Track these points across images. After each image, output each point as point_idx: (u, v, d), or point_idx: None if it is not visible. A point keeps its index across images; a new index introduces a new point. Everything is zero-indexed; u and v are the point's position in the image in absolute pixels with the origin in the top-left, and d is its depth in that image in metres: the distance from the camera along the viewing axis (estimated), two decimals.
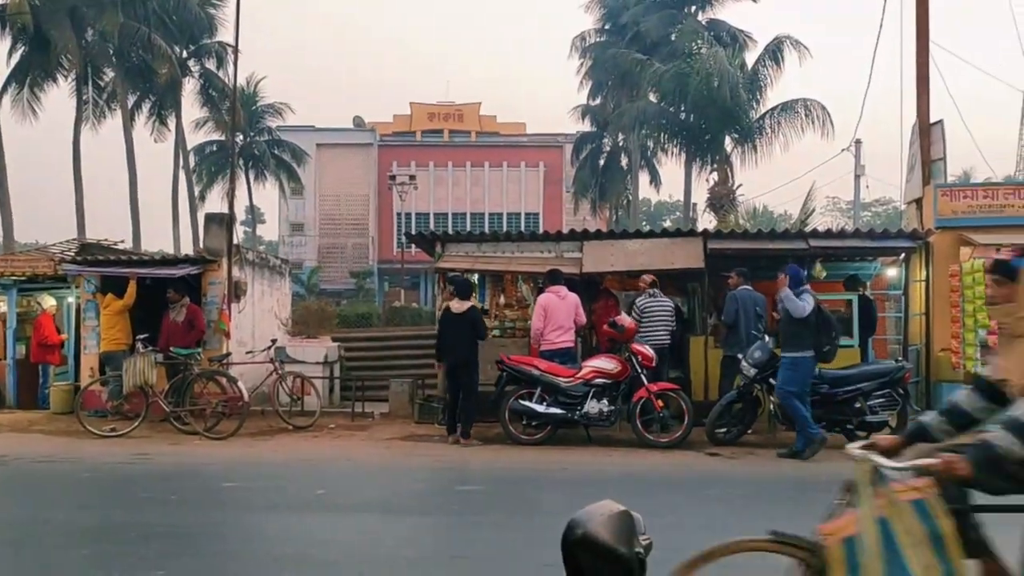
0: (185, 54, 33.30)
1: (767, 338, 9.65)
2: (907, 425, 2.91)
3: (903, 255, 12.15)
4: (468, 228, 38.86)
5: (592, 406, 9.78)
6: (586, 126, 39.66)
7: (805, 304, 8.80)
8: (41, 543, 5.83)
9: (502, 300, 12.66)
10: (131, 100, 32.02)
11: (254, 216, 45.37)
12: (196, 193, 35.84)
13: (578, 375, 9.91)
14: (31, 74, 28.76)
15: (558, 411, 9.81)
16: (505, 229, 35.18)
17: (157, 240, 72.04)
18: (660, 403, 9.76)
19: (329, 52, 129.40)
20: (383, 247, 42.16)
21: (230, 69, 29.49)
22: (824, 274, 12.67)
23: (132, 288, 12.20)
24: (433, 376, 12.51)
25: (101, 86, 31.57)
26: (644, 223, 44.36)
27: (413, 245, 16.26)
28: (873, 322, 12.06)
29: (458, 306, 10.27)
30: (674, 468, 8.77)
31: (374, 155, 43.24)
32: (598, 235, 12.54)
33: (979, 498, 2.96)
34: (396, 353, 16.31)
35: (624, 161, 38.56)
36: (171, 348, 11.53)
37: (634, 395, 9.80)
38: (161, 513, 6.73)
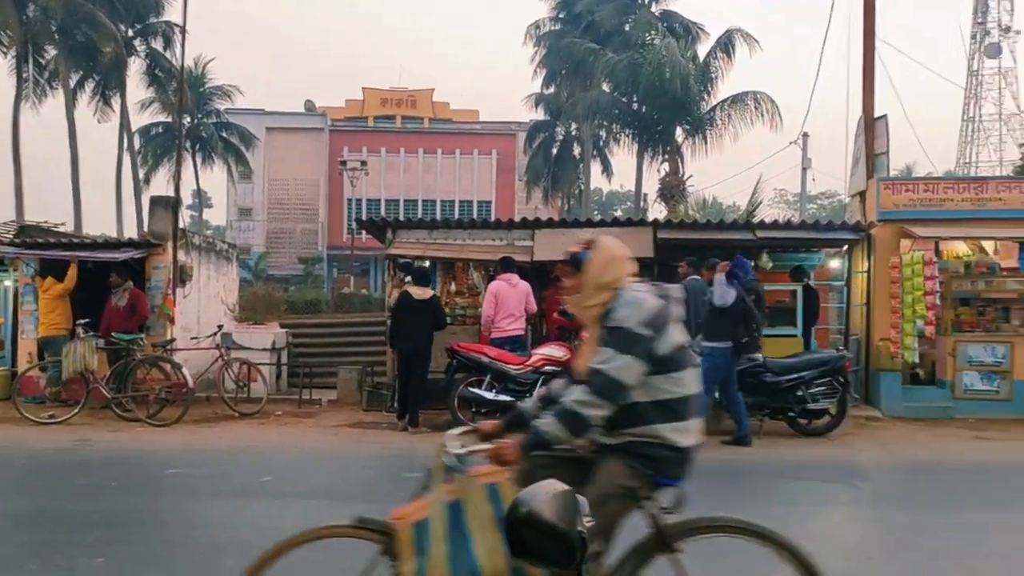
0: (131, 33, 32.53)
1: None
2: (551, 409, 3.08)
3: (846, 247, 12.43)
4: (420, 215, 38.68)
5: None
6: (540, 114, 39.71)
7: (727, 295, 8.94)
8: None
9: (453, 288, 12.62)
10: (74, 79, 31.20)
11: (201, 200, 44.56)
12: (141, 176, 35.10)
13: (527, 363, 9.95)
14: None
15: (507, 398, 9.83)
16: (457, 216, 35.15)
17: (100, 223, 70.21)
18: None
19: (281, 36, 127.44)
20: (333, 233, 41.72)
21: (177, 50, 28.95)
22: (770, 264, 12.93)
23: (73, 272, 11.92)
24: (382, 363, 12.46)
25: (42, 64, 30.67)
26: (596, 212, 44.67)
27: (363, 231, 16.08)
28: (816, 312, 12.32)
29: (420, 293, 10.23)
30: None
31: (325, 140, 42.71)
32: (550, 223, 12.58)
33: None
34: (345, 340, 16.16)
35: (577, 150, 38.73)
36: (113, 333, 11.26)
37: None
38: (101, 500, 6.60)
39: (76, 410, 10.61)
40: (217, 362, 11.73)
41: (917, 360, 11.49)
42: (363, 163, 32.67)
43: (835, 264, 13.31)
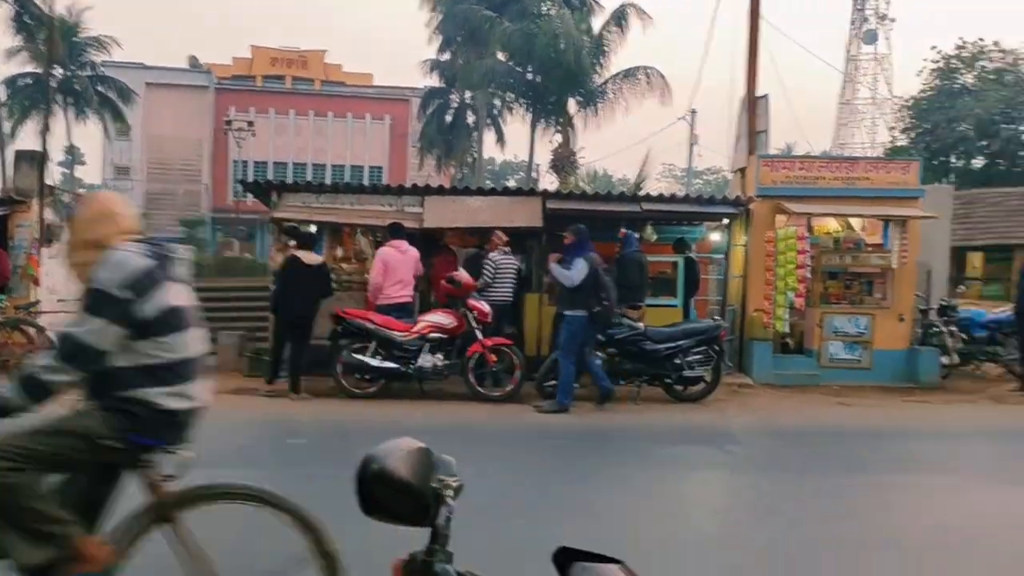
0: None
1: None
2: None
3: (727, 221, 12.86)
4: (309, 179, 37.70)
5: (426, 360, 9.82)
6: (434, 81, 39.18)
7: (574, 275, 9.18)
8: None
9: (340, 253, 12.41)
10: None
11: (73, 156, 42.18)
12: (7, 130, 32.90)
13: (414, 329, 9.90)
14: None
15: (392, 365, 9.79)
16: (347, 182, 34.40)
17: None
18: (493, 358, 9.93)
19: None
20: (217, 195, 40.28)
21: None
22: (655, 237, 13.26)
23: None
24: (264, 329, 12.15)
25: None
26: (488, 182, 44.60)
27: (249, 194, 15.61)
28: (697, 283, 12.72)
29: (310, 258, 10.00)
30: (500, 420, 9.01)
31: (210, 98, 41.06)
32: (440, 191, 12.50)
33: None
34: (227, 305, 15.63)
35: (471, 118, 38.51)
36: None
37: (468, 350, 9.91)
38: None
39: None
40: None
41: (788, 330, 12.04)
42: (250, 123, 31.68)
43: (716, 237, 13.75)
